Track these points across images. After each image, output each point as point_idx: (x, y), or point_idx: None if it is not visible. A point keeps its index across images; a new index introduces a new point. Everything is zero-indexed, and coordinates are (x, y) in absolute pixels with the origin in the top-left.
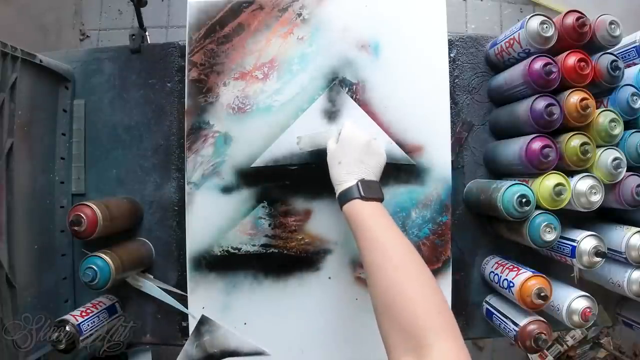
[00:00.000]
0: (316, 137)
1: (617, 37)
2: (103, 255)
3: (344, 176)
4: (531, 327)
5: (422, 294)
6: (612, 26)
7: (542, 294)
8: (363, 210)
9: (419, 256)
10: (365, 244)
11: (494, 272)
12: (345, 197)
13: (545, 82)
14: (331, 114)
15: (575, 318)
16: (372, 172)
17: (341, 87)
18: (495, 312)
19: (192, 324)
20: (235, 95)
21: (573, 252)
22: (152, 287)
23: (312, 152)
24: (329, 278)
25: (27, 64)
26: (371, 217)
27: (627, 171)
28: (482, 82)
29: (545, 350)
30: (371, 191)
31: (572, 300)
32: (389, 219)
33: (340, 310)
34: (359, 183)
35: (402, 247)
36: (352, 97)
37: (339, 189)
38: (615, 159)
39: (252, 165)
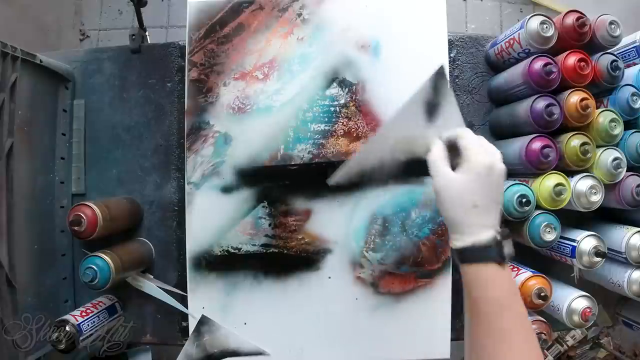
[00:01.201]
0: (413, 143)
1: (617, 37)
2: (103, 255)
3: (479, 226)
4: None
5: None
6: (612, 26)
7: (542, 294)
8: (500, 283)
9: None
10: (490, 328)
11: None
12: (477, 256)
13: (545, 82)
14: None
15: (575, 318)
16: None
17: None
18: None
19: (192, 324)
20: (235, 95)
21: (573, 252)
22: (152, 287)
23: (408, 162)
24: (329, 278)
25: (27, 64)
26: (508, 296)
27: (627, 171)
28: (482, 82)
29: (545, 350)
30: (509, 250)
31: (572, 300)
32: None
33: (340, 310)
34: (499, 238)
35: (531, 344)
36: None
37: (468, 241)
38: (615, 159)
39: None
